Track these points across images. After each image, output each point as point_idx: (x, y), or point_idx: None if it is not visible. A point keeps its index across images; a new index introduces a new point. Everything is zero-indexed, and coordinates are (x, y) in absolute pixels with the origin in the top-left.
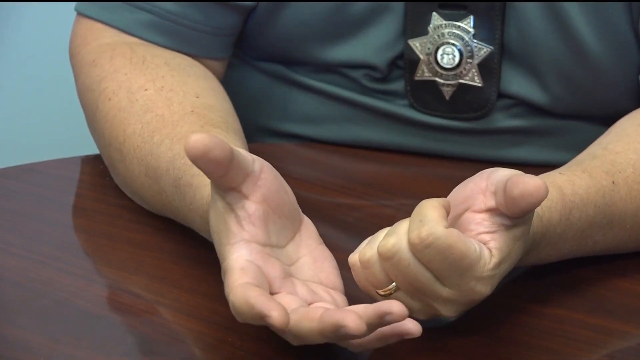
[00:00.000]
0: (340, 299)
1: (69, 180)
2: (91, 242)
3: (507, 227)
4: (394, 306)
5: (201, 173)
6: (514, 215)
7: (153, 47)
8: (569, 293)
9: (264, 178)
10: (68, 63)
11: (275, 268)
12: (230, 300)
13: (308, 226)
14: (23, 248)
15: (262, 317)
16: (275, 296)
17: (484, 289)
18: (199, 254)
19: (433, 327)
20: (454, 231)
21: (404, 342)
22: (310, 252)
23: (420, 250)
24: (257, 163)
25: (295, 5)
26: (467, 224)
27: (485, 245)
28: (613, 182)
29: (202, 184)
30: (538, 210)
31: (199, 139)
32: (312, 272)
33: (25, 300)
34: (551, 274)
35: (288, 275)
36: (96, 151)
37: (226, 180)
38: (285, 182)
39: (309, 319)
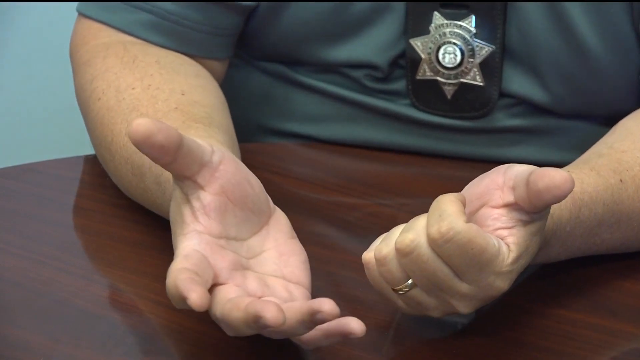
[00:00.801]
0: (301, 294)
1: (69, 180)
2: (91, 242)
3: (525, 223)
4: (325, 304)
5: None
6: (535, 209)
7: (148, 46)
8: (570, 293)
9: (223, 169)
10: (68, 63)
11: (225, 260)
12: (166, 283)
13: (279, 219)
14: (23, 248)
15: (183, 298)
16: (220, 287)
17: (503, 284)
18: None
19: (433, 326)
20: (473, 226)
21: (403, 342)
22: (276, 246)
23: (440, 245)
24: (216, 154)
25: (296, 5)
26: (484, 219)
27: (503, 240)
28: (621, 181)
29: None
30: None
31: (141, 124)
32: (275, 267)
33: (25, 300)
34: (553, 274)
35: (241, 267)
36: None
37: (177, 168)
38: (252, 175)
39: (237, 309)
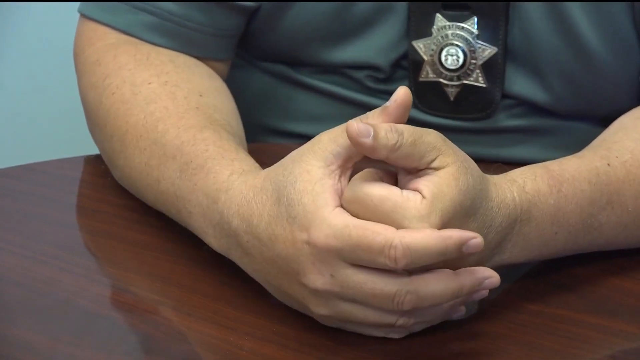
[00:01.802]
0: None
1: (71, 179)
2: (92, 242)
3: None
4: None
5: (217, 157)
6: (378, 157)
7: (157, 47)
8: (570, 293)
9: None
10: (69, 63)
11: None
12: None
13: None
14: (24, 247)
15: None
16: None
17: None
18: (200, 253)
19: (434, 326)
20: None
21: (404, 342)
22: None
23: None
24: None
25: (299, 6)
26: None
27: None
28: (608, 164)
29: (218, 168)
30: (517, 179)
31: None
32: None
33: (26, 300)
34: (552, 274)
35: None
36: (97, 151)
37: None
38: None
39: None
